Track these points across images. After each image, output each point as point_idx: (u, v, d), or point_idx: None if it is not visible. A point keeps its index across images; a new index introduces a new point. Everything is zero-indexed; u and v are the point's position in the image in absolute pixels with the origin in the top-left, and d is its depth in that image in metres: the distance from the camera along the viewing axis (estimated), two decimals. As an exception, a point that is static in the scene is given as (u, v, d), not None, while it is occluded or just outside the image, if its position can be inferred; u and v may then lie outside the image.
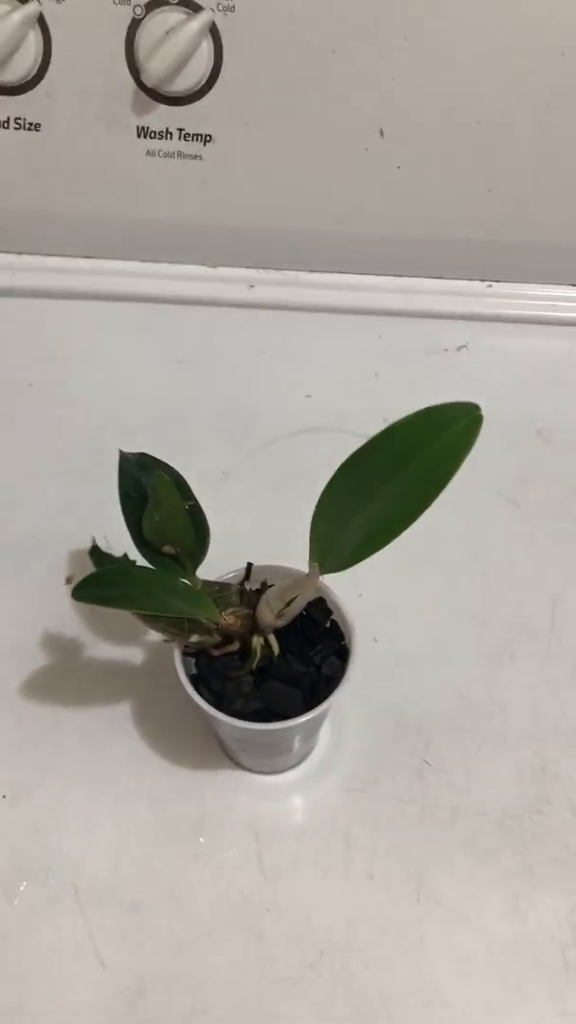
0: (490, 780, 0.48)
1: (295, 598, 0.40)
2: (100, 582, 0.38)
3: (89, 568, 0.46)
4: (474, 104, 0.62)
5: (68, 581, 0.55)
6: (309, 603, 0.43)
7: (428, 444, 0.34)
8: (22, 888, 0.45)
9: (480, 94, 0.61)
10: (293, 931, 0.44)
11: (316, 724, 0.45)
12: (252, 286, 0.70)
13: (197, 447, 0.62)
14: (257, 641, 0.42)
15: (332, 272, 0.71)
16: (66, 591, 0.55)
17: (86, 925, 0.44)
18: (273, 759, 0.47)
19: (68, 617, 0.54)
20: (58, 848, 0.46)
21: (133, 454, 0.45)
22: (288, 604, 0.40)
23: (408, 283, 0.70)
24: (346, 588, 0.46)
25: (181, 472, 0.46)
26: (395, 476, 0.35)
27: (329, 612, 0.45)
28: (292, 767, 0.48)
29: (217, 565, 0.46)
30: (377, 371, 0.66)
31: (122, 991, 0.42)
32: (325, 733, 0.49)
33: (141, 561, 0.43)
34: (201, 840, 0.46)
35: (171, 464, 0.46)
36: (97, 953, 0.43)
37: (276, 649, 0.43)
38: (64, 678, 0.52)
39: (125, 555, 0.43)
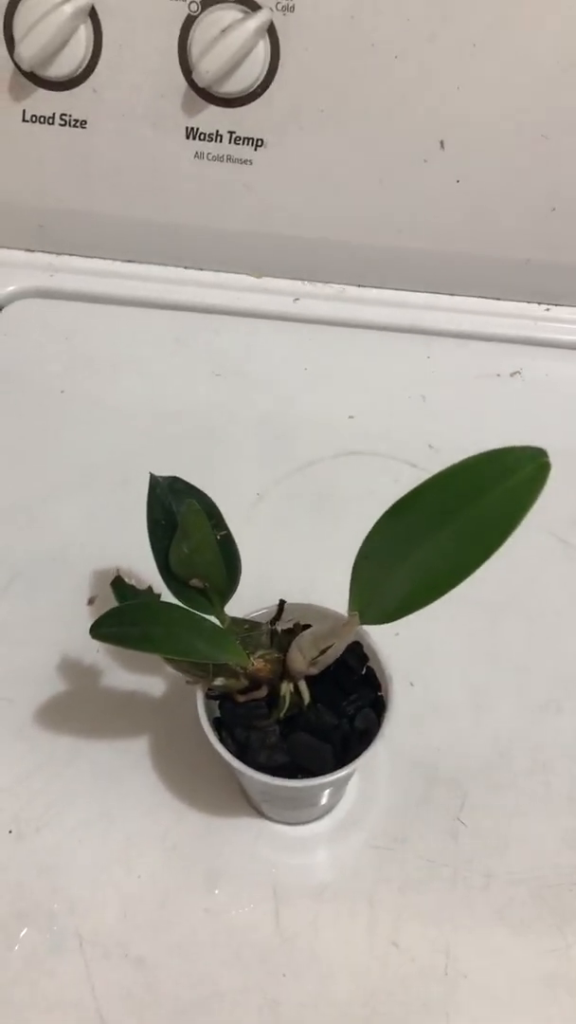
0: (528, 845, 0.45)
1: (330, 646, 0.37)
2: (120, 619, 0.36)
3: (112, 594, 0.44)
4: (541, 118, 0.59)
5: (90, 602, 0.53)
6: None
7: (488, 492, 0.31)
8: (23, 934, 0.42)
9: (548, 107, 0.58)
10: (310, 1000, 0.41)
11: (346, 780, 0.42)
12: (297, 299, 0.68)
13: (231, 465, 0.59)
14: (286, 688, 0.39)
15: (381, 288, 0.68)
16: (88, 613, 0.52)
17: (88, 979, 0.41)
18: (297, 811, 0.44)
19: (88, 642, 0.49)
20: (64, 892, 0.43)
21: (164, 478, 0.42)
22: (323, 652, 0.37)
23: (461, 303, 0.67)
24: (381, 627, 0.43)
25: (212, 493, 0.44)
26: (449, 524, 0.31)
27: (365, 658, 0.42)
28: (317, 819, 0.45)
29: (245, 593, 0.43)
30: (424, 394, 0.63)
31: (123, 1056, 0.39)
32: (353, 784, 0.46)
33: (166, 593, 0.40)
34: (216, 892, 0.43)
35: (203, 483, 0.43)
36: (98, 1011, 0.40)
37: (307, 697, 0.40)
38: (80, 706, 0.49)
39: (150, 588, 0.40)
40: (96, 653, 0.51)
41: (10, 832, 0.45)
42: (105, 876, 0.44)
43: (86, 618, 0.52)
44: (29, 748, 0.47)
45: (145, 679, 0.50)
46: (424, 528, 0.32)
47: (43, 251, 0.69)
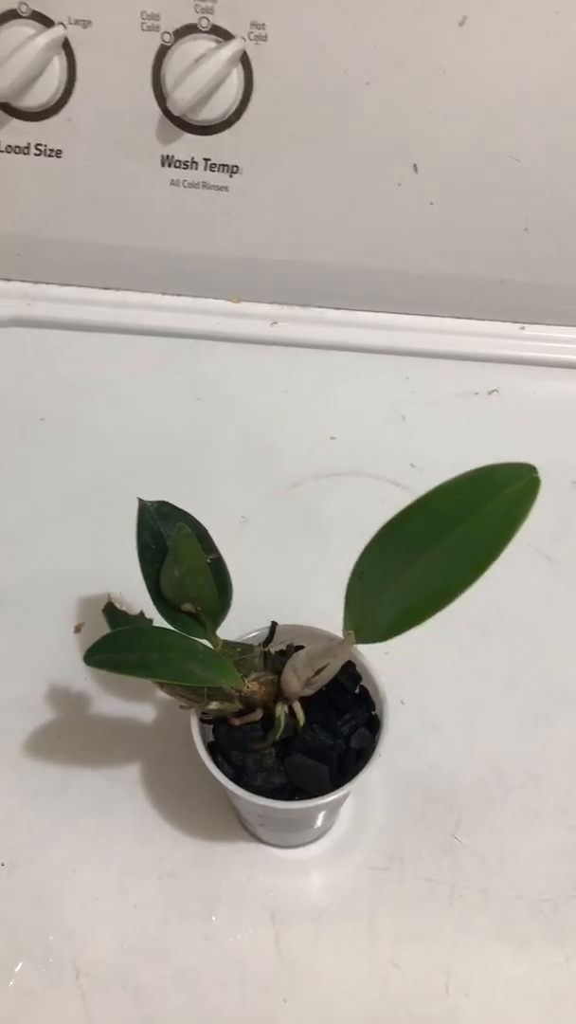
0: (524, 859, 0.45)
1: (325, 666, 0.37)
2: (114, 645, 0.35)
3: (99, 616, 0.44)
4: (512, 140, 0.60)
5: (77, 630, 0.52)
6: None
7: (478, 509, 0.31)
8: (18, 968, 0.41)
9: (518, 129, 0.59)
10: (312, 1025, 0.40)
11: (342, 801, 0.42)
12: (275, 322, 0.68)
13: (215, 488, 0.59)
14: (281, 709, 0.39)
15: (359, 310, 0.68)
16: (75, 640, 0.52)
17: (86, 1013, 0.40)
18: (294, 834, 0.44)
19: (76, 669, 0.51)
20: (59, 923, 0.43)
21: (152, 503, 0.42)
22: (317, 672, 0.37)
23: (438, 323, 0.67)
24: (372, 646, 0.43)
25: (197, 516, 0.44)
26: (441, 542, 0.32)
27: (358, 677, 0.42)
28: (313, 842, 0.45)
29: (234, 614, 0.43)
30: (404, 414, 0.64)
31: None
32: (348, 805, 0.46)
33: (157, 618, 0.40)
34: (214, 919, 0.43)
35: (187, 507, 0.43)
36: (98, 1044, 0.40)
37: (301, 719, 0.40)
38: (70, 735, 0.49)
39: (141, 613, 0.40)
40: (85, 680, 0.51)
41: (2, 864, 0.44)
42: (101, 906, 0.43)
43: (74, 645, 0.52)
44: (20, 778, 0.47)
45: (135, 706, 0.50)
46: (416, 547, 0.32)
47: (20, 280, 0.69)
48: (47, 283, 0.69)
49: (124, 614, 0.40)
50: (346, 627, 0.35)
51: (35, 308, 0.68)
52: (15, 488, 0.60)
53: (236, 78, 0.59)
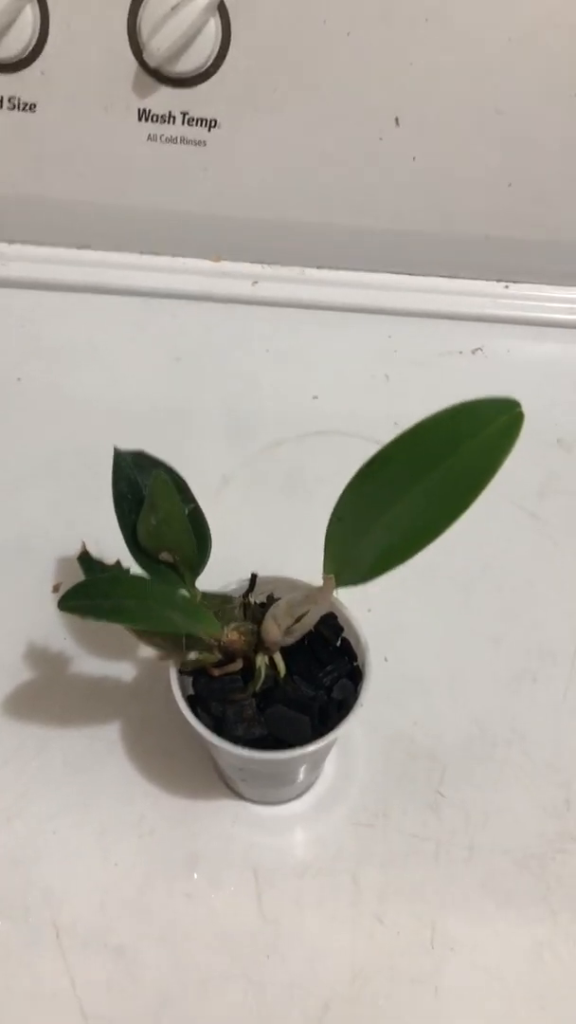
0: (510, 815, 0.45)
1: (305, 613, 0.36)
2: (89, 592, 0.34)
3: (78, 575, 0.43)
4: (495, 92, 0.58)
5: (55, 589, 0.51)
6: (319, 619, 0.40)
7: (461, 444, 0.30)
8: (-3, 928, 0.41)
9: (502, 82, 0.58)
10: (296, 980, 0.40)
11: (324, 753, 0.42)
12: (256, 282, 0.67)
13: (196, 449, 0.58)
14: (261, 660, 0.38)
15: (341, 269, 0.67)
16: (53, 600, 0.51)
17: (67, 971, 0.40)
18: (276, 790, 0.43)
19: (54, 629, 0.50)
20: (39, 883, 0.42)
21: (129, 452, 0.41)
22: (298, 620, 0.36)
23: (421, 282, 0.66)
24: (354, 602, 0.42)
25: (184, 480, 0.42)
26: (423, 479, 0.31)
27: (340, 629, 0.41)
28: (295, 798, 0.44)
29: (215, 577, 0.42)
30: (387, 373, 0.63)
31: (105, 1047, 0.38)
32: (331, 762, 0.45)
33: (136, 569, 0.39)
34: (195, 877, 0.42)
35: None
36: (78, 1002, 0.39)
37: (282, 669, 0.39)
38: (49, 695, 0.48)
39: (118, 562, 0.39)
40: (64, 640, 0.50)
41: (-20, 825, 0.44)
42: (80, 865, 0.43)
43: (51, 606, 0.51)
44: (-3, 739, 0.46)
45: (115, 665, 0.49)
46: (397, 485, 0.31)
47: (-5, 240, 0.68)
48: (22, 243, 0.68)
49: (100, 563, 0.39)
50: (326, 571, 0.34)
51: (10, 268, 0.67)
52: (-9, 450, 0.59)
53: (213, 28, 0.57)
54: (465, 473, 0.30)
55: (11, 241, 0.68)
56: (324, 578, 0.35)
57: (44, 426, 0.60)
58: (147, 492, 0.38)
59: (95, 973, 0.40)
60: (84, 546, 0.40)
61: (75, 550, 0.52)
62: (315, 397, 0.62)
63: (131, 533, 0.39)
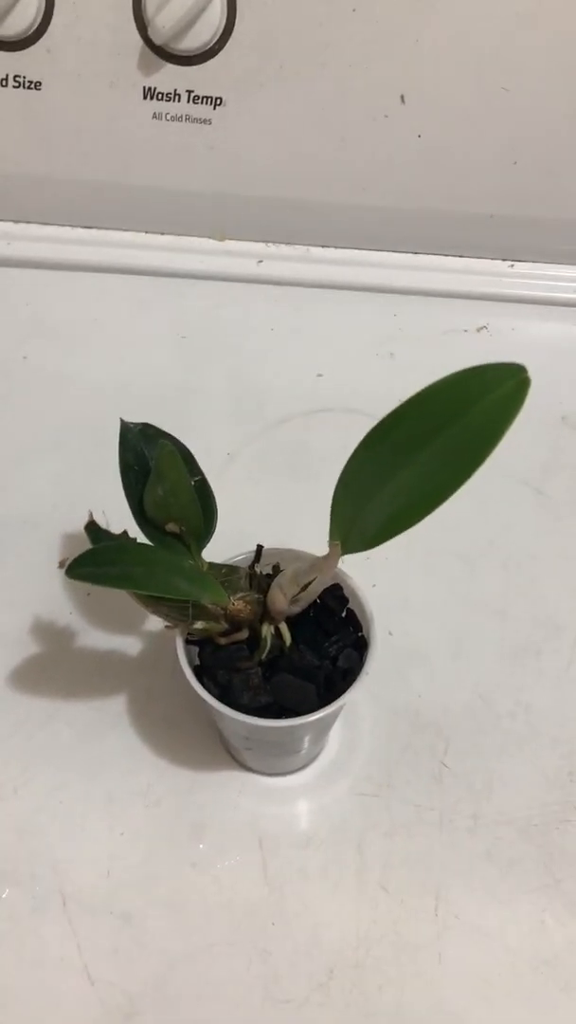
0: (513, 785, 0.45)
1: (311, 582, 0.37)
2: (97, 559, 0.35)
3: (84, 550, 0.43)
4: (502, 70, 0.58)
5: (61, 565, 0.51)
6: (324, 590, 0.40)
7: (467, 410, 0.30)
8: (5, 895, 0.41)
9: (509, 59, 0.58)
10: (300, 947, 0.40)
11: (330, 722, 0.42)
12: (261, 261, 0.67)
13: (201, 427, 0.58)
14: (267, 629, 0.39)
15: (346, 248, 0.67)
16: (59, 575, 0.51)
17: (74, 937, 0.40)
18: (280, 759, 0.43)
19: (61, 602, 0.50)
20: (45, 852, 0.42)
21: (135, 424, 0.41)
22: (303, 589, 0.37)
23: (426, 261, 0.66)
24: (360, 577, 0.42)
25: (190, 452, 0.43)
26: (429, 445, 0.31)
27: (345, 600, 0.42)
28: (300, 769, 0.45)
29: (221, 551, 0.42)
30: (392, 351, 0.63)
31: (111, 1011, 0.38)
32: (335, 733, 0.46)
33: (142, 540, 0.39)
34: (201, 846, 0.43)
35: (172, 444, 0.43)
36: (85, 968, 0.39)
37: (288, 639, 0.39)
38: (55, 667, 0.48)
39: (125, 532, 0.39)
40: (70, 615, 0.50)
41: (-13, 795, 0.44)
42: (87, 835, 0.43)
43: (58, 580, 0.51)
44: (3, 711, 0.47)
45: (121, 639, 0.49)
46: (404, 450, 0.31)
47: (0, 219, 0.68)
48: (27, 222, 0.68)
49: (107, 532, 0.39)
50: (332, 538, 0.34)
51: (15, 247, 0.67)
52: (-2, 427, 0.59)
53: (219, 5, 0.57)
54: (472, 437, 0.30)
55: (16, 220, 0.68)
56: (330, 545, 0.35)
57: (50, 404, 0.60)
58: (153, 463, 0.38)
59: (101, 940, 0.40)
60: (91, 515, 0.40)
61: (80, 526, 0.52)
62: (320, 375, 0.62)
63: (138, 504, 0.39)
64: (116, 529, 0.42)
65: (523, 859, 0.43)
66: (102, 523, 0.41)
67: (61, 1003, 0.39)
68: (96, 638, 0.49)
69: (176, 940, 0.40)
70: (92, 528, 0.39)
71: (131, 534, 0.40)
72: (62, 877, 0.42)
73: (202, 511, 0.39)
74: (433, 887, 0.42)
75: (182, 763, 0.45)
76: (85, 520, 0.42)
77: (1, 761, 0.45)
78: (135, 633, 0.49)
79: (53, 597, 0.50)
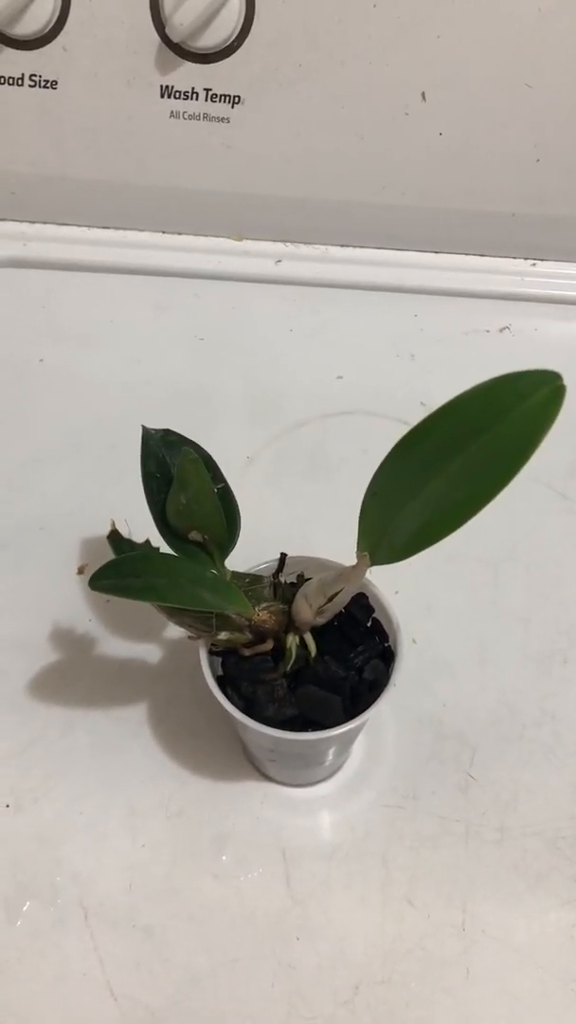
0: (540, 796, 0.44)
1: (338, 593, 0.36)
2: (120, 570, 0.34)
3: (103, 556, 0.42)
4: (524, 66, 0.58)
5: (80, 571, 0.51)
6: (349, 600, 0.39)
7: (501, 418, 0.30)
8: (25, 908, 0.41)
9: (530, 55, 0.57)
10: (325, 962, 0.39)
11: (355, 734, 0.41)
12: (279, 261, 0.66)
13: (219, 429, 0.58)
14: (292, 640, 0.38)
15: (365, 247, 0.66)
16: (78, 582, 0.51)
17: (95, 951, 0.39)
18: (304, 771, 0.42)
19: (80, 610, 0.50)
20: (66, 864, 0.42)
21: (157, 430, 0.40)
22: (330, 600, 0.36)
23: (447, 260, 0.66)
24: (382, 584, 0.42)
25: (212, 459, 0.42)
26: (462, 453, 0.30)
27: (371, 610, 0.41)
28: (324, 779, 0.44)
29: (241, 556, 0.41)
30: (413, 352, 0.62)
31: (135, 1027, 0.38)
32: (359, 743, 0.45)
33: (165, 550, 0.39)
34: (224, 858, 0.42)
35: (190, 447, 0.42)
36: (107, 983, 0.39)
37: (313, 649, 0.38)
38: (75, 676, 0.48)
39: (147, 541, 0.39)
40: (89, 622, 0.49)
41: (7, 806, 0.43)
42: (108, 846, 0.42)
43: (77, 587, 0.51)
44: (23, 720, 0.46)
45: (140, 646, 0.48)
46: (436, 459, 0.31)
47: (16, 220, 0.67)
48: (44, 223, 0.67)
49: (130, 542, 0.39)
50: (360, 549, 0.34)
51: (32, 248, 0.66)
52: (14, 430, 0.58)
53: (237, 2, 0.57)
54: (506, 447, 0.29)
55: (32, 221, 0.67)
56: (358, 556, 0.34)
57: (66, 407, 0.59)
58: (176, 470, 0.37)
59: (124, 953, 0.39)
60: (113, 524, 0.39)
61: (98, 531, 0.52)
62: (340, 377, 0.61)
63: (160, 512, 0.38)
64: (137, 537, 0.41)
65: (551, 872, 0.42)
66: (124, 531, 0.41)
67: (83, 1018, 0.38)
68: (116, 645, 0.48)
69: (199, 954, 0.40)
70: (115, 537, 0.38)
71: (153, 542, 0.40)
72: (83, 889, 0.41)
73: (225, 519, 0.39)
74: (460, 901, 0.41)
75: (204, 773, 0.44)
76: (103, 525, 0.41)
77: (21, 770, 0.44)
78: (155, 640, 0.48)
79: (72, 604, 0.50)
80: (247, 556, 0.42)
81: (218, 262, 0.66)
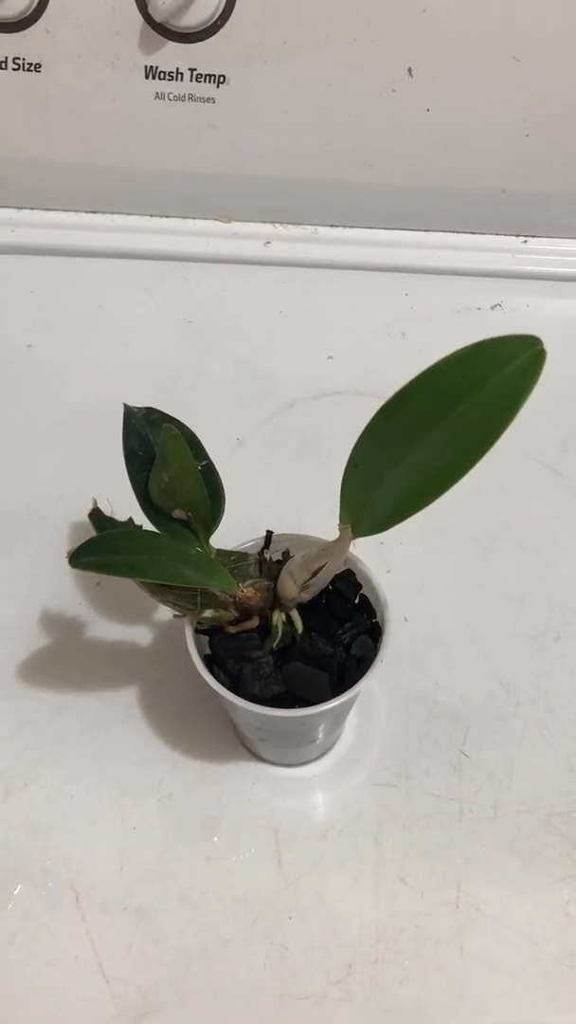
0: (535, 773, 0.44)
1: (322, 568, 0.35)
2: (101, 547, 0.34)
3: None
4: (512, 38, 0.57)
5: (69, 555, 0.50)
6: (336, 576, 0.39)
7: (481, 384, 0.29)
8: (16, 892, 0.40)
9: (517, 27, 0.56)
10: (318, 942, 0.39)
11: (344, 711, 0.41)
12: (268, 242, 0.66)
13: (209, 413, 0.57)
14: (278, 617, 0.38)
15: (355, 227, 0.66)
16: (67, 566, 0.50)
17: (87, 934, 0.39)
18: (295, 750, 0.42)
19: (69, 594, 0.49)
20: (57, 848, 0.42)
21: (139, 408, 0.40)
22: (314, 575, 0.36)
23: (437, 238, 0.65)
24: (373, 563, 0.41)
25: (196, 436, 0.41)
26: (442, 421, 0.30)
27: (358, 586, 0.40)
28: (315, 759, 0.44)
29: (232, 538, 0.41)
30: (404, 331, 0.62)
31: (126, 1009, 0.37)
32: (352, 722, 0.45)
33: (148, 527, 0.38)
34: (215, 840, 0.42)
35: (179, 430, 0.41)
36: (99, 966, 0.38)
37: (299, 626, 0.38)
38: (64, 660, 0.47)
39: (130, 519, 0.38)
40: (79, 606, 0.49)
41: (-3, 790, 0.43)
42: (99, 829, 0.42)
43: (66, 571, 0.50)
44: (12, 704, 0.46)
45: (129, 629, 0.48)
46: (415, 428, 0.30)
47: (3, 206, 0.67)
48: (31, 208, 0.67)
49: (111, 520, 0.38)
50: (342, 521, 0.33)
51: (19, 234, 0.66)
52: (3, 417, 0.58)
53: (220, -21, 0.56)
54: (487, 413, 0.29)
55: (19, 207, 0.67)
56: (340, 528, 0.34)
57: (55, 393, 0.59)
58: (158, 448, 0.37)
59: (115, 936, 0.39)
60: (95, 503, 0.39)
61: (88, 516, 0.51)
62: (330, 357, 0.60)
63: (143, 491, 0.38)
64: (123, 517, 0.41)
65: (546, 849, 0.41)
66: (107, 511, 0.40)
67: (75, 1001, 0.38)
68: (106, 629, 0.48)
69: (191, 936, 0.39)
70: (96, 516, 0.38)
71: (138, 522, 0.39)
72: (74, 873, 0.41)
73: (209, 496, 0.38)
74: (454, 879, 0.41)
75: (195, 755, 0.44)
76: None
77: (11, 755, 0.44)
78: (146, 623, 0.48)
79: (62, 588, 0.49)
80: (241, 538, 0.41)
81: (207, 244, 0.65)
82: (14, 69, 0.61)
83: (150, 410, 0.40)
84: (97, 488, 0.50)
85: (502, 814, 0.42)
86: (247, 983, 0.38)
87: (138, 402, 0.42)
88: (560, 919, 0.40)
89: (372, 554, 0.41)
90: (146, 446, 0.39)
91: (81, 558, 0.33)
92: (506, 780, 0.43)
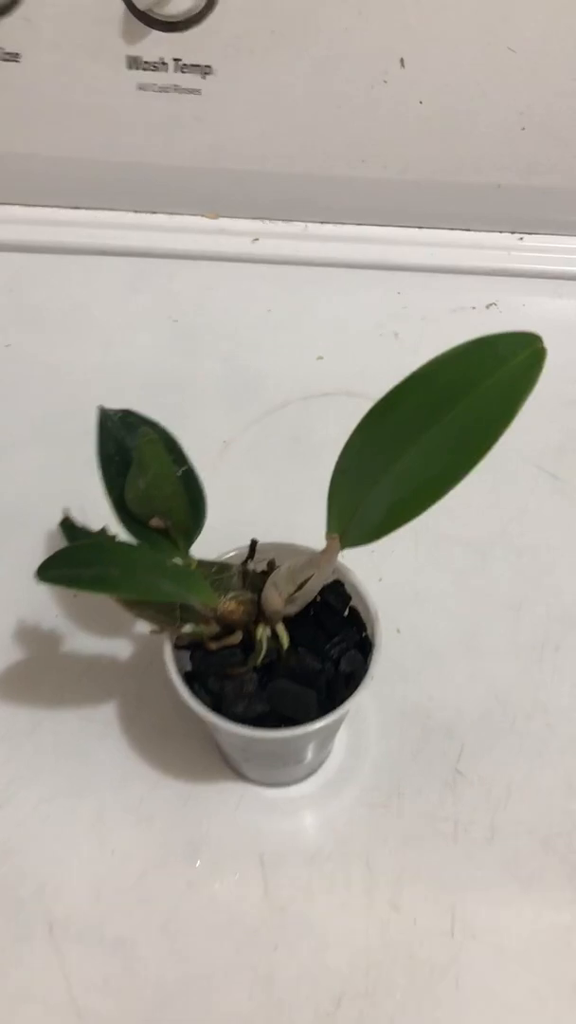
0: (533, 792, 0.42)
1: (308, 579, 0.33)
2: (70, 560, 0.32)
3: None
4: (508, 29, 0.55)
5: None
6: (324, 587, 0.37)
7: (478, 383, 0.27)
8: (-14, 922, 0.38)
9: (513, 17, 0.55)
10: (305, 973, 0.37)
11: (333, 730, 0.39)
12: (256, 239, 0.64)
13: (195, 415, 0.56)
14: (263, 632, 0.36)
15: (345, 223, 0.64)
16: (44, 575, 0.48)
17: (61, 967, 0.37)
18: (282, 770, 0.40)
19: (46, 604, 0.47)
20: (30, 874, 0.40)
21: (115, 411, 0.38)
22: (301, 587, 0.34)
23: (431, 235, 0.63)
24: (364, 572, 0.39)
25: (176, 440, 0.39)
26: (436, 424, 0.28)
27: (348, 598, 0.38)
28: (303, 779, 0.42)
29: (217, 547, 0.39)
30: (397, 331, 0.60)
31: (102, 1047, 0.35)
32: (341, 739, 0.43)
33: (125, 536, 0.36)
34: (198, 864, 0.40)
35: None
36: (74, 1001, 0.36)
37: (285, 641, 0.36)
38: (41, 674, 0.45)
39: (104, 529, 0.36)
40: (55, 618, 0.47)
41: (-32, 812, 0.41)
42: (74, 854, 0.40)
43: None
44: (-14, 721, 0.44)
45: (109, 642, 0.46)
46: (408, 431, 0.28)
47: (-19, 202, 0.65)
48: (11, 204, 0.65)
49: (84, 530, 0.36)
50: (330, 530, 0.31)
51: (-2, 231, 0.64)
52: (-21, 419, 0.56)
53: (205, -35, 0.54)
54: (484, 414, 0.27)
55: (-1, 202, 0.65)
56: (327, 538, 0.32)
57: (35, 394, 0.57)
58: (135, 453, 0.35)
59: (91, 969, 0.37)
60: (66, 512, 0.37)
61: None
62: (320, 358, 0.59)
63: (119, 498, 0.36)
64: (97, 523, 0.39)
65: (545, 872, 0.40)
66: (81, 520, 0.38)
67: (48, 1039, 0.36)
68: (84, 642, 0.46)
69: (172, 968, 0.37)
70: (67, 525, 0.36)
71: (114, 531, 0.37)
72: (49, 901, 0.39)
73: (189, 503, 0.36)
74: (448, 904, 0.39)
75: (176, 775, 0.42)
76: (72, 516, 0.39)
77: (-17, 775, 0.42)
78: (125, 636, 0.46)
79: (38, 599, 0.47)
80: (228, 546, 0.40)
81: (192, 241, 0.63)
82: (-8, 59, 0.58)
83: (127, 413, 0.38)
84: (77, 494, 0.48)
85: (499, 835, 0.41)
86: (231, 1018, 0.36)
87: (121, 404, 0.40)
88: (561, 947, 0.38)
89: (362, 562, 0.39)
90: (123, 451, 0.37)
91: (49, 571, 0.31)
92: (503, 799, 0.41)
